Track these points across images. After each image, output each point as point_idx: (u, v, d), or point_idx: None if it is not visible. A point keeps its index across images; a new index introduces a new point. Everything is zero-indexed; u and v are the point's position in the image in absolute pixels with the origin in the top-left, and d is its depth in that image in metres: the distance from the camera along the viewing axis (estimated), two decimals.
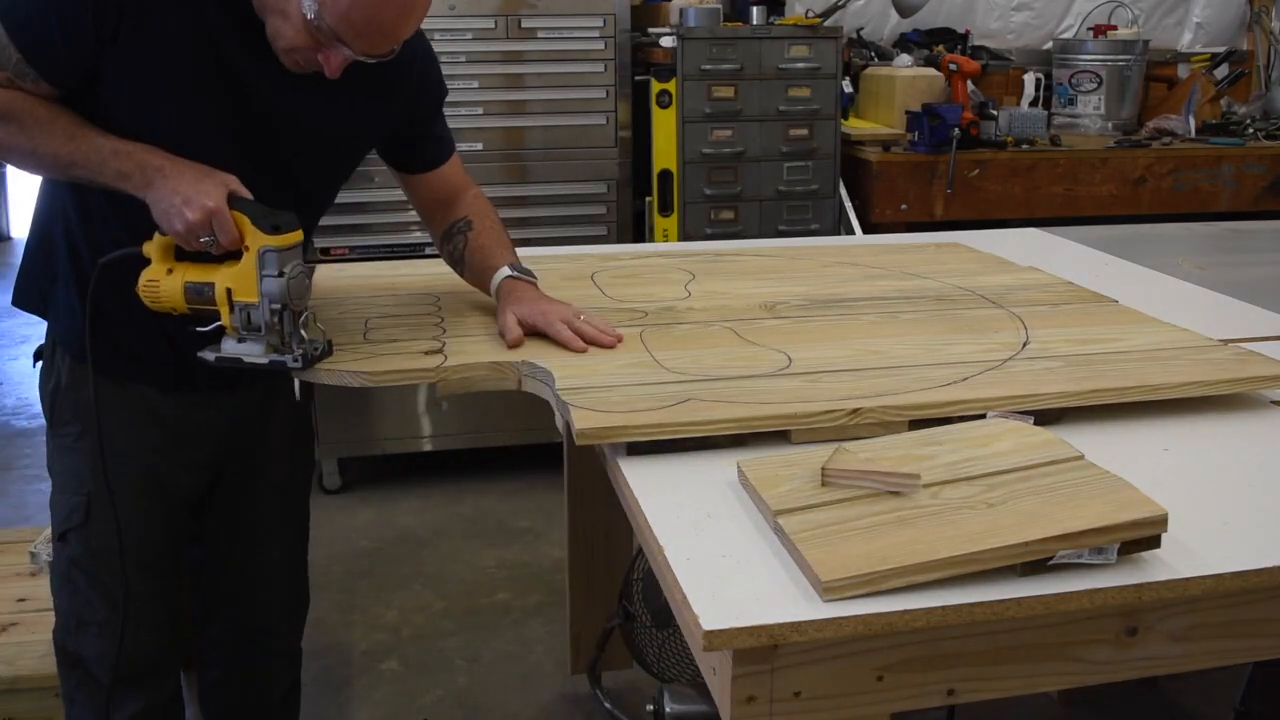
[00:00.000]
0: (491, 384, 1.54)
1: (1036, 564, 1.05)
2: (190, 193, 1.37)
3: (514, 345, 1.57)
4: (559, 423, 1.43)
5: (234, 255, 1.42)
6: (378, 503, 3.52)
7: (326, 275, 1.99)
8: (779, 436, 1.35)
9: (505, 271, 1.69)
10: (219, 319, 1.45)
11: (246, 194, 1.42)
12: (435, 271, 1.94)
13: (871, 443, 1.27)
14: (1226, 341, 1.65)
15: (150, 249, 1.45)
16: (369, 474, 3.70)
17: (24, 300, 1.63)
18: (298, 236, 1.44)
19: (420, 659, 2.69)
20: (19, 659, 1.98)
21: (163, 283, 1.44)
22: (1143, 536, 1.07)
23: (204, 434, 1.68)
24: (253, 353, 1.46)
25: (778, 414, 1.36)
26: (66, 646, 1.67)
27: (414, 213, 3.49)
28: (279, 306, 1.43)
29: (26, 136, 1.40)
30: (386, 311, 1.75)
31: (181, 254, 1.45)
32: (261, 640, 1.90)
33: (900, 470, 1.15)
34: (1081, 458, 1.21)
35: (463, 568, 3.13)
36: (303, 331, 1.47)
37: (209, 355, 1.48)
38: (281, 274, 1.41)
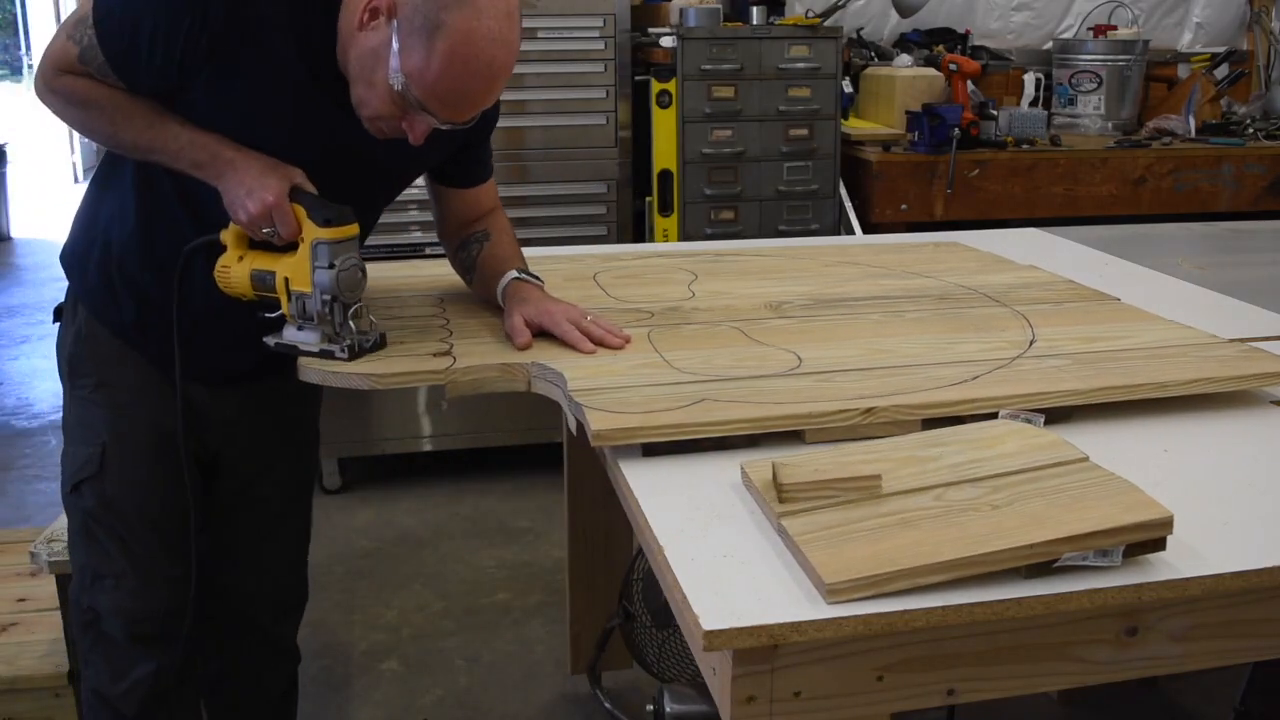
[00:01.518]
0: (501, 385, 1.54)
1: (1041, 566, 1.05)
2: (254, 185, 1.43)
3: (523, 348, 1.58)
4: (570, 424, 1.43)
5: (294, 246, 1.48)
6: (378, 503, 3.52)
7: None
8: (792, 437, 1.35)
9: (512, 274, 1.70)
10: (280, 307, 1.52)
11: (310, 188, 1.48)
12: (437, 273, 1.94)
13: (876, 444, 1.26)
14: (1227, 340, 1.66)
15: (227, 236, 1.52)
16: (369, 474, 3.70)
17: (66, 256, 1.68)
18: (352, 230, 1.49)
19: (420, 659, 2.69)
20: (19, 659, 1.98)
21: (234, 269, 1.52)
22: (1148, 539, 1.07)
23: (212, 415, 1.69)
24: (308, 341, 1.53)
25: (792, 414, 1.35)
26: (82, 602, 1.69)
27: (414, 213, 3.52)
28: (329, 297, 1.48)
29: (109, 121, 1.47)
30: (391, 313, 1.75)
31: (253, 243, 1.52)
32: (259, 636, 1.90)
33: (858, 475, 1.15)
34: (1086, 459, 1.20)
35: (463, 568, 3.13)
36: (352, 324, 1.51)
37: (270, 340, 1.56)
38: (332, 266, 1.46)
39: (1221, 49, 4.51)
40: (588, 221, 3.51)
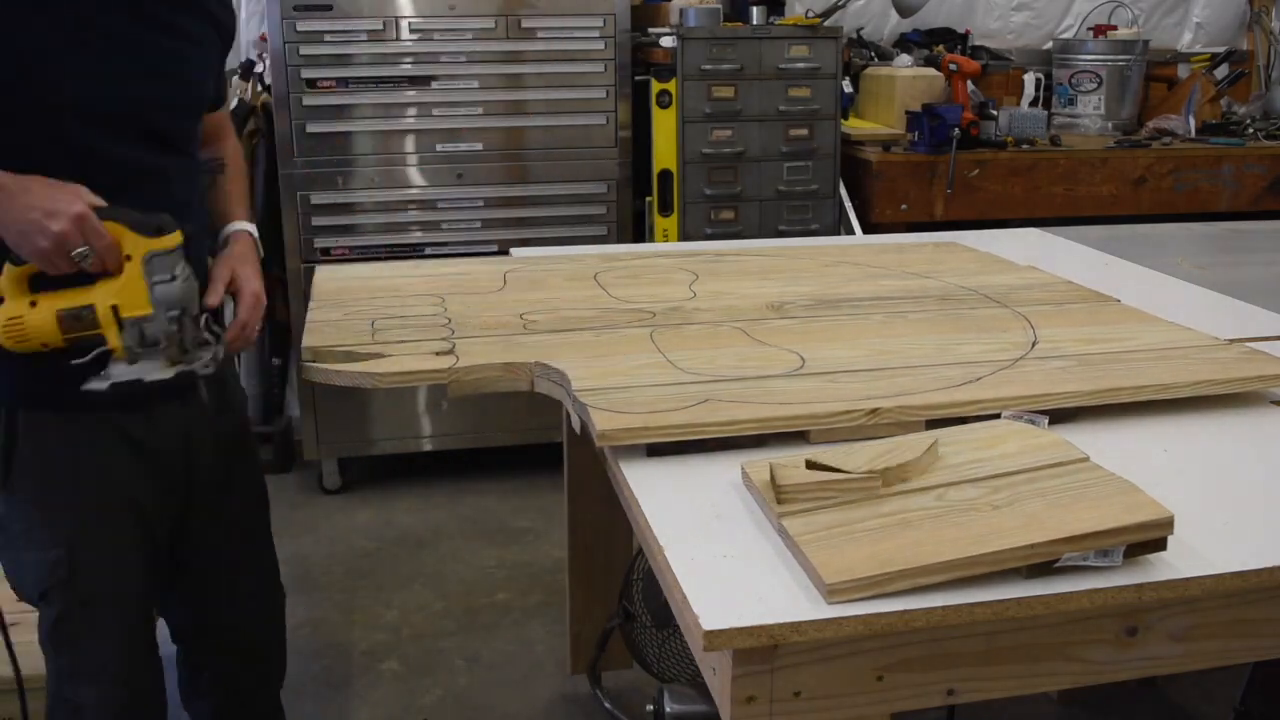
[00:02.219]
0: (504, 385, 1.54)
1: (1042, 566, 1.05)
2: (48, 205, 1.26)
3: (212, 306, 1.47)
4: (574, 423, 1.43)
5: (105, 272, 1.30)
6: (378, 503, 3.52)
7: (327, 277, 1.99)
8: (796, 437, 1.35)
9: (235, 226, 1.65)
10: (102, 343, 1.31)
11: (101, 201, 1.30)
12: (437, 272, 1.94)
13: (876, 444, 1.26)
14: (1228, 341, 1.66)
15: (2, 285, 1.29)
16: (369, 474, 3.70)
17: None
18: (179, 237, 1.34)
19: (420, 659, 2.69)
20: (19, 659, 1.98)
21: (28, 318, 1.30)
22: (1149, 539, 1.07)
23: (174, 449, 1.60)
24: (151, 370, 1.34)
25: (797, 414, 1.36)
26: (63, 695, 1.61)
27: (414, 213, 3.53)
28: (177, 313, 1.32)
29: None
30: (392, 312, 1.75)
31: (38, 284, 1.31)
32: (243, 699, 1.88)
33: (856, 475, 1.14)
34: (1087, 459, 1.20)
35: (463, 568, 3.13)
36: (205, 334, 1.37)
37: (100, 385, 1.33)
38: (174, 278, 1.30)
39: (1221, 49, 4.52)
40: (588, 221, 3.51)
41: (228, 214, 1.68)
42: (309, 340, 1.59)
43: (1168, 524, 1.08)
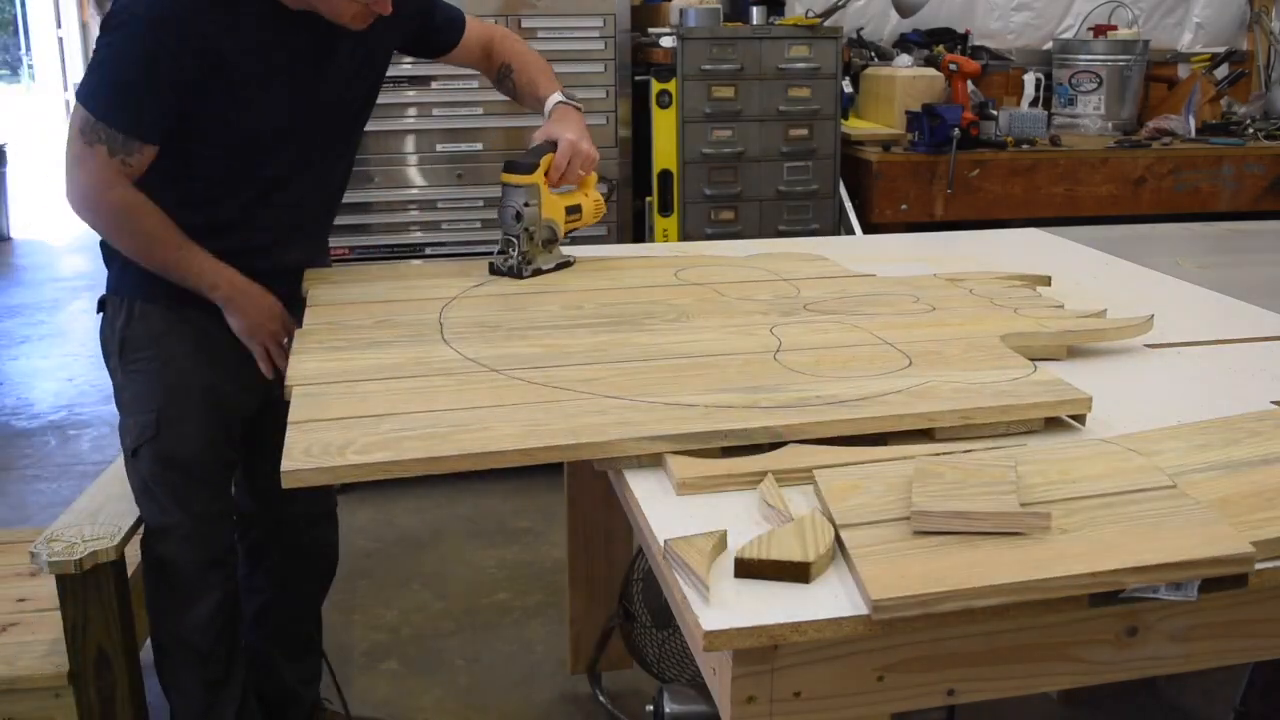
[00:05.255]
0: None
1: (1106, 596, 1.00)
2: (257, 320, 1.83)
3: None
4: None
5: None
6: (378, 503, 3.52)
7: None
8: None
9: (556, 98, 2.01)
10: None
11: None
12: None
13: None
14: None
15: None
16: None
17: (106, 246, 1.86)
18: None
19: (420, 659, 2.69)
20: (19, 659, 1.98)
21: (584, 205, 2.08)
22: (1226, 574, 1.01)
23: (248, 355, 1.86)
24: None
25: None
26: (153, 550, 1.89)
27: (414, 213, 3.52)
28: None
29: (144, 245, 1.76)
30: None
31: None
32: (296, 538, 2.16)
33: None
34: (1174, 486, 1.15)
35: (463, 568, 3.13)
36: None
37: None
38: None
39: (1221, 49, 4.52)
40: None
41: (536, 94, 2.04)
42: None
43: (1248, 559, 1.02)
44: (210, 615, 1.92)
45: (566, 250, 2.08)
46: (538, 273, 1.97)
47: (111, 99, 1.66)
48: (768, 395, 1.39)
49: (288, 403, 1.38)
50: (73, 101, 1.72)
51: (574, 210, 2.04)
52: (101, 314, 1.91)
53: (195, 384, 1.85)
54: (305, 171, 1.87)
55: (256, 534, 2.14)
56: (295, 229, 1.92)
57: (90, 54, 1.66)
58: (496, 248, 1.98)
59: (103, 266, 1.90)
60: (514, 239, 1.94)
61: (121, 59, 1.65)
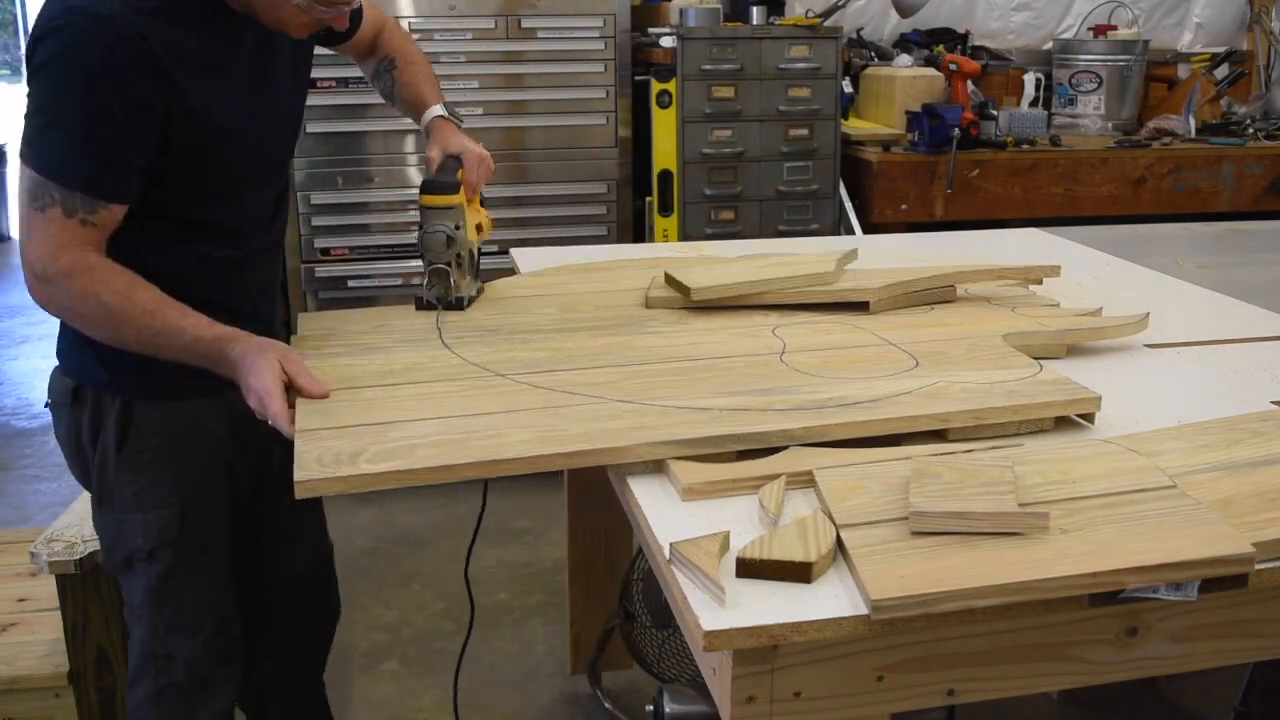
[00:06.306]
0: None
1: (1106, 596, 1.00)
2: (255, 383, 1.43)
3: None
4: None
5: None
6: (378, 503, 3.52)
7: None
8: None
9: (439, 110, 1.84)
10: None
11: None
12: None
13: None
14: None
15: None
16: None
17: (68, 367, 1.63)
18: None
19: (420, 659, 2.69)
20: (19, 659, 1.98)
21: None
22: (1226, 575, 1.02)
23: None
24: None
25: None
26: (157, 651, 1.69)
27: (414, 213, 3.51)
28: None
29: (112, 323, 1.44)
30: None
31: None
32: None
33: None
34: (1174, 487, 1.15)
35: (463, 568, 3.12)
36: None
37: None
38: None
39: (1221, 49, 4.52)
40: (588, 221, 3.51)
41: (420, 100, 1.86)
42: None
43: (1248, 560, 1.03)
44: (229, 706, 1.78)
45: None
46: (470, 301, 1.81)
47: (67, 155, 1.39)
48: (780, 398, 1.38)
49: (284, 469, 1.30)
50: None
51: (478, 229, 1.87)
52: (59, 407, 1.62)
53: (218, 466, 1.67)
54: (258, 185, 1.67)
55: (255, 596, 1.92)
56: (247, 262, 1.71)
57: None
58: (425, 281, 1.79)
59: None
60: (445, 267, 1.77)
61: (60, 100, 1.39)
